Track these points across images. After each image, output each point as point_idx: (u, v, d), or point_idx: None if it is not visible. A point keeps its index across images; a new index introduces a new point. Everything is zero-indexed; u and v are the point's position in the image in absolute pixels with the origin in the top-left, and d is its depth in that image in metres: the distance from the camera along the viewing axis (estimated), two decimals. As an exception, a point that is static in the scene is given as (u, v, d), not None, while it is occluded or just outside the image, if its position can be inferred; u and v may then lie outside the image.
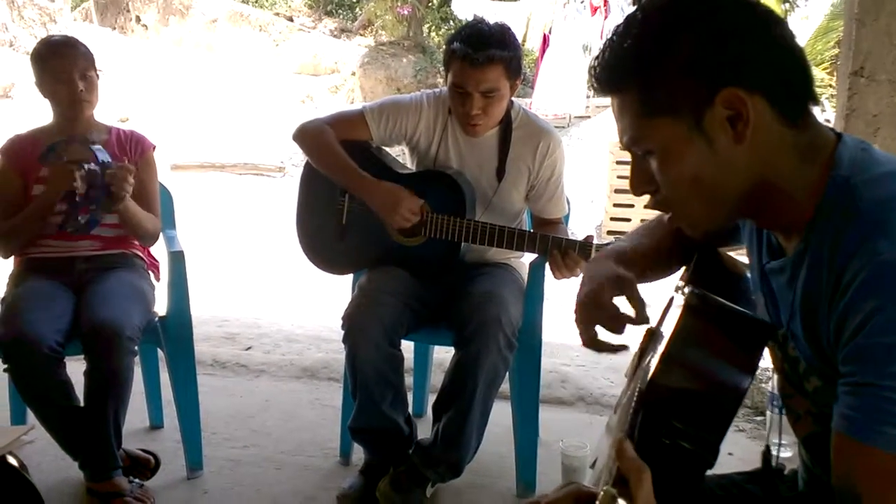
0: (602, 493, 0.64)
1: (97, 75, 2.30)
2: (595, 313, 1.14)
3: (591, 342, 1.16)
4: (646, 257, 1.23)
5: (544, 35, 9.43)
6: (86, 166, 2.14)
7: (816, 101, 0.92)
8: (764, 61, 0.87)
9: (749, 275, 1.14)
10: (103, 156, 2.19)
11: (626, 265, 1.18)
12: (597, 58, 0.95)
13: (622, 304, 1.15)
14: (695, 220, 0.99)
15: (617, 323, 1.13)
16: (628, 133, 0.94)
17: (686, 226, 1.01)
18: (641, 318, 1.13)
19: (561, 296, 3.85)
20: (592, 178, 6.98)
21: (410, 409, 2.29)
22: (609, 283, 1.14)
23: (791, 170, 0.91)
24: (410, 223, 2.19)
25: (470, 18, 2.26)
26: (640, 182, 0.97)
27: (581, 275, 1.23)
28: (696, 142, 0.90)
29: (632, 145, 0.96)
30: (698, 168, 0.91)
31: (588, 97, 9.51)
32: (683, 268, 1.25)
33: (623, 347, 1.20)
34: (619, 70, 0.93)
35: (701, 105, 0.88)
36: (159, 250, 2.48)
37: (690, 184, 0.92)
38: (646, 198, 1.00)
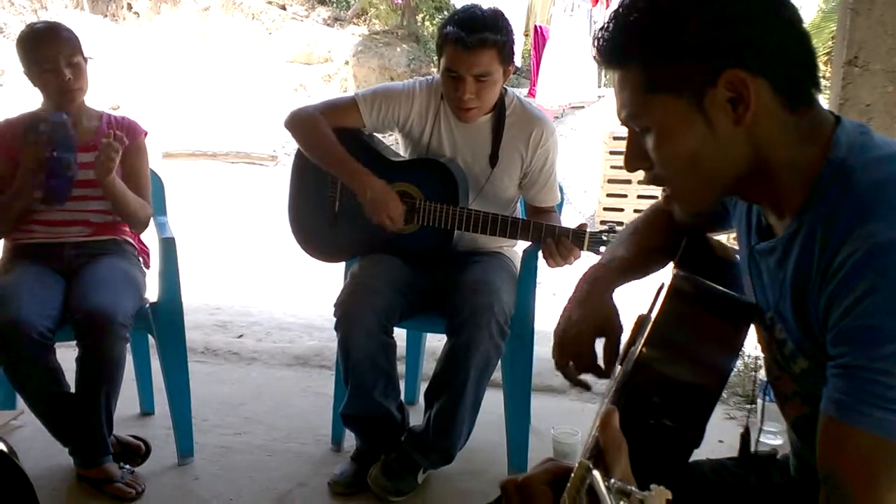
0: (577, 465, 0.64)
1: (85, 60, 2.26)
2: (572, 352, 1.18)
3: (564, 371, 1.21)
4: (640, 258, 1.24)
5: (538, 27, 9.32)
6: (40, 126, 2.14)
7: (819, 88, 0.91)
8: (770, 45, 0.86)
9: (738, 259, 1.14)
10: (56, 117, 2.18)
11: (623, 277, 1.20)
12: (601, 29, 0.93)
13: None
14: (687, 198, 0.98)
15: (587, 370, 1.18)
16: (627, 108, 0.93)
17: (679, 204, 1.00)
18: (605, 373, 1.16)
19: (554, 284, 3.89)
20: (586, 167, 6.97)
21: (403, 397, 2.29)
22: (597, 327, 1.17)
23: (789, 153, 0.90)
24: (392, 227, 2.18)
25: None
26: (634, 158, 0.97)
27: (574, 283, 1.23)
28: (695, 122, 0.89)
29: (629, 121, 0.94)
30: (695, 148, 0.90)
31: (601, 85, 9.29)
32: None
33: (588, 387, 1.24)
34: (623, 44, 0.91)
35: (703, 85, 0.87)
36: (150, 237, 2.46)
37: (686, 163, 0.91)
38: (639, 188, 0.99)
